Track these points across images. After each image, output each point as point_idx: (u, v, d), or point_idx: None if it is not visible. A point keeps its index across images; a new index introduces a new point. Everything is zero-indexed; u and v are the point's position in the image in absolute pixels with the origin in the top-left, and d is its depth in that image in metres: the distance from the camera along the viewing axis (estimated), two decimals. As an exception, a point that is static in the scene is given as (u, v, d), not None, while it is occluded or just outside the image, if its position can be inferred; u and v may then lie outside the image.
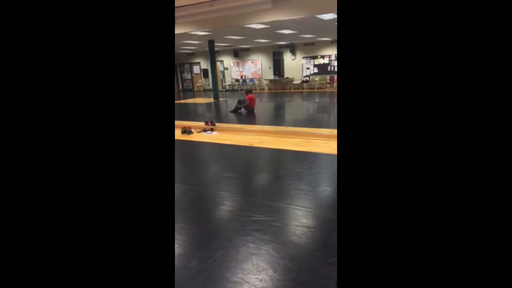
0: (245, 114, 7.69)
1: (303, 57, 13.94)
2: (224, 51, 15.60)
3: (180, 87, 17.83)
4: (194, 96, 13.65)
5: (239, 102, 8.02)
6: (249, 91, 8.06)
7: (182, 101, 11.93)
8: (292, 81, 14.21)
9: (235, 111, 7.89)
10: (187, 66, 17.36)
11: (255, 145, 4.55)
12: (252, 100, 7.81)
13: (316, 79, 13.69)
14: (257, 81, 15.14)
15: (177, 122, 6.35)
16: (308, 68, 13.97)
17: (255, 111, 7.85)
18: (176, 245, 2.01)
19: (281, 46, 14.10)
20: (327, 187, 2.84)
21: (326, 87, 13.39)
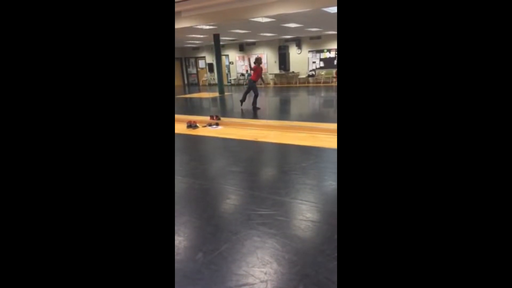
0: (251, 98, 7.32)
1: (309, 51, 13.82)
2: (230, 45, 15.54)
3: (186, 82, 17.85)
4: (199, 91, 13.66)
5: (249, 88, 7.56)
6: (258, 61, 7.32)
7: (188, 96, 11.95)
8: (298, 75, 14.12)
9: (244, 99, 7.61)
10: (192, 60, 17.35)
11: (260, 139, 4.55)
12: (255, 72, 7.20)
13: (322, 73, 13.58)
14: (262, 76, 15.07)
15: (182, 117, 6.37)
16: (314, 62, 13.86)
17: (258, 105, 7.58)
18: (182, 238, 2.03)
19: (287, 40, 13.99)
20: (332, 182, 2.84)
21: (332, 82, 13.29)
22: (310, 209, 2.35)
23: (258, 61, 7.31)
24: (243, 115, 6.92)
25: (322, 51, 13.52)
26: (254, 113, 7.07)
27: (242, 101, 7.69)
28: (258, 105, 7.54)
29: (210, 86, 15.84)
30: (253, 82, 7.37)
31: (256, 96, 7.48)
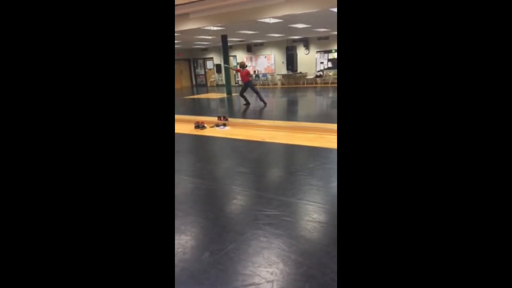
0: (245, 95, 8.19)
1: (317, 52, 13.76)
2: (237, 46, 15.58)
3: (194, 83, 17.97)
4: (207, 91, 13.73)
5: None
6: (242, 66, 8.30)
7: (196, 96, 12.02)
8: (306, 76, 14.07)
9: (261, 99, 8.20)
10: (200, 61, 17.45)
11: (267, 140, 4.55)
12: (243, 75, 8.17)
13: (330, 73, 13.50)
14: (270, 76, 15.07)
15: (190, 117, 6.42)
16: (322, 63, 13.78)
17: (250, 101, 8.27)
18: (189, 238, 2.05)
19: (294, 41, 13.95)
20: (340, 183, 2.82)
21: (340, 82, 13.19)
22: (316, 210, 2.35)
23: (242, 65, 8.34)
24: (251, 115, 6.94)
25: (330, 51, 13.44)
26: (246, 103, 8.16)
27: (262, 101, 8.16)
28: (245, 102, 8.26)
29: (218, 87, 15.91)
30: (248, 83, 8.20)
31: (243, 91, 8.24)
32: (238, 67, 8.30)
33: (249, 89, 8.18)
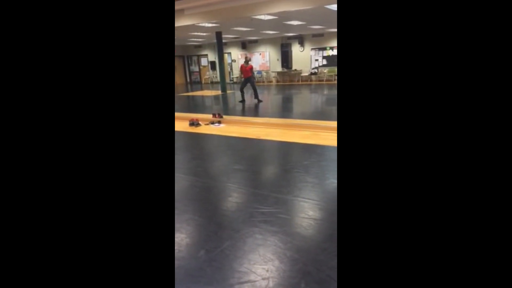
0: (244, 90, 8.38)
1: (311, 49, 13.76)
2: (232, 43, 15.51)
3: (188, 80, 17.86)
4: (201, 89, 13.66)
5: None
6: (246, 61, 8.43)
7: (190, 93, 11.96)
8: (300, 73, 14.08)
9: (256, 96, 8.30)
10: (194, 58, 17.33)
11: (262, 137, 4.55)
12: (245, 71, 8.30)
13: (325, 71, 13.52)
14: (265, 73, 15.04)
15: (185, 115, 6.38)
16: (316, 60, 13.80)
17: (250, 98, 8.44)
18: (184, 236, 2.04)
19: (289, 38, 13.93)
20: (334, 180, 2.84)
21: (334, 79, 13.23)
22: (312, 207, 2.36)
23: (247, 60, 8.55)
24: (246, 113, 6.92)
25: (324, 48, 13.46)
26: (242, 100, 8.31)
27: (257, 98, 8.20)
28: (241, 99, 8.37)
29: (212, 84, 15.83)
30: (249, 78, 8.34)
31: (243, 86, 8.45)
32: (243, 62, 8.43)
33: (248, 85, 8.29)
